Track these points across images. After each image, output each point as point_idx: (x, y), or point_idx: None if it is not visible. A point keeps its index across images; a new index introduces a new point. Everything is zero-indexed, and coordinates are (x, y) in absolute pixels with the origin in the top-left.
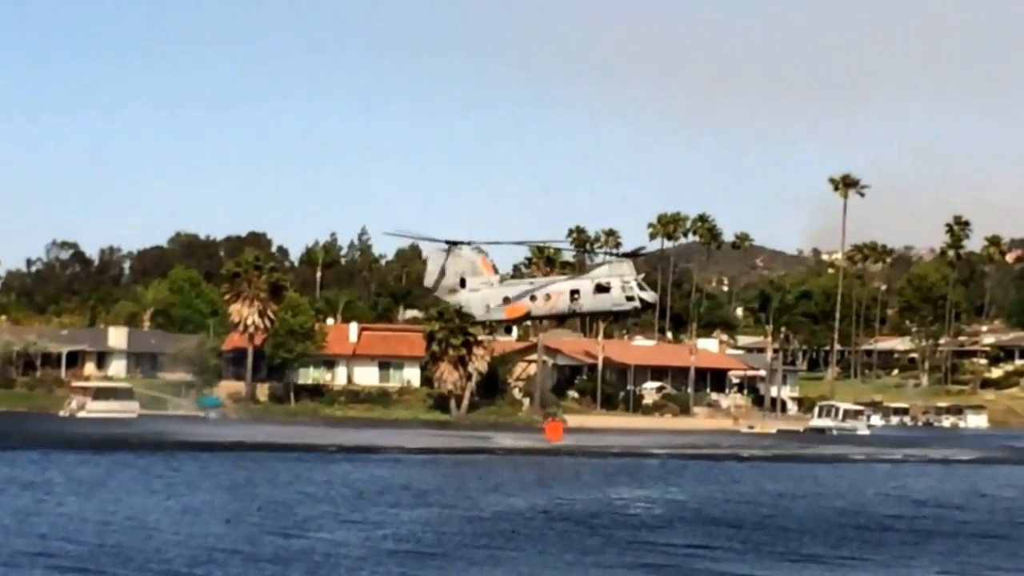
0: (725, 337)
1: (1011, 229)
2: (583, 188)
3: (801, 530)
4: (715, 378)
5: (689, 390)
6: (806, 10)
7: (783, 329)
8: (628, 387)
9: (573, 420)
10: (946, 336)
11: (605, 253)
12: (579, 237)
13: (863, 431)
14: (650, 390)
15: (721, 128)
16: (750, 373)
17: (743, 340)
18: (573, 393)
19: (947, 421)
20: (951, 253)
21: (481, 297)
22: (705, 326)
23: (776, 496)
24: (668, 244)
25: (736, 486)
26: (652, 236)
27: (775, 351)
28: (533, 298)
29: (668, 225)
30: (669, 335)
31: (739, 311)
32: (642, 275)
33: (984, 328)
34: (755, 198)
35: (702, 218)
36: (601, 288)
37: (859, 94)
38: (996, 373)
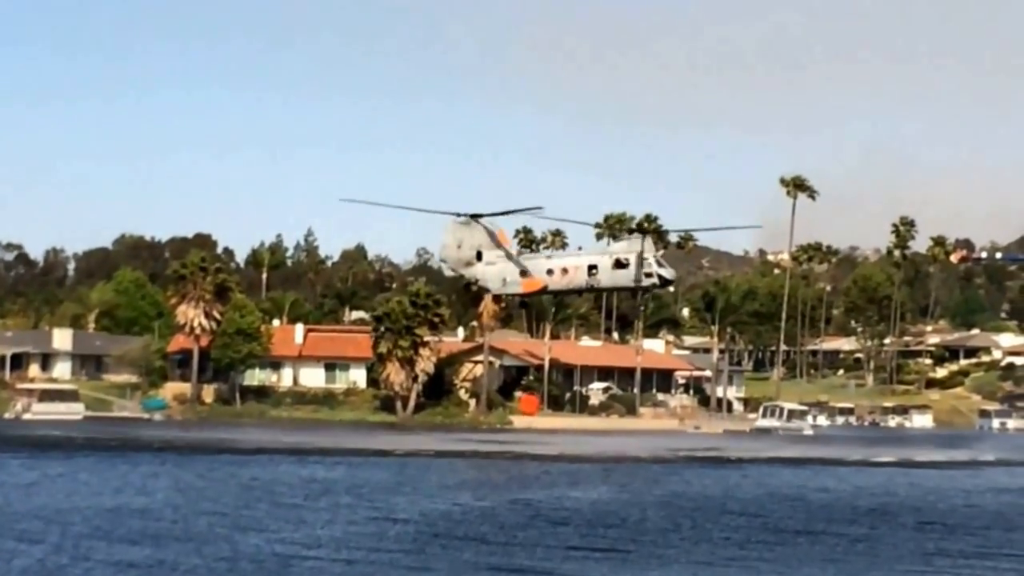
0: (671, 338)
1: (956, 230)
2: (529, 188)
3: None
4: (661, 379)
5: (635, 391)
6: (756, 9)
7: (729, 330)
8: (574, 388)
9: (519, 421)
10: (891, 336)
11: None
12: (525, 237)
13: (808, 431)
14: (596, 391)
15: (668, 128)
16: (696, 374)
17: (689, 341)
18: (519, 394)
19: (893, 421)
20: (896, 253)
21: (498, 271)
22: (651, 327)
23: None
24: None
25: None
26: (598, 236)
27: (721, 352)
28: (550, 272)
29: (614, 225)
30: (615, 336)
31: (685, 312)
32: (660, 252)
33: (929, 328)
34: (702, 198)
35: (648, 218)
36: (620, 264)
37: (806, 96)
38: (941, 373)
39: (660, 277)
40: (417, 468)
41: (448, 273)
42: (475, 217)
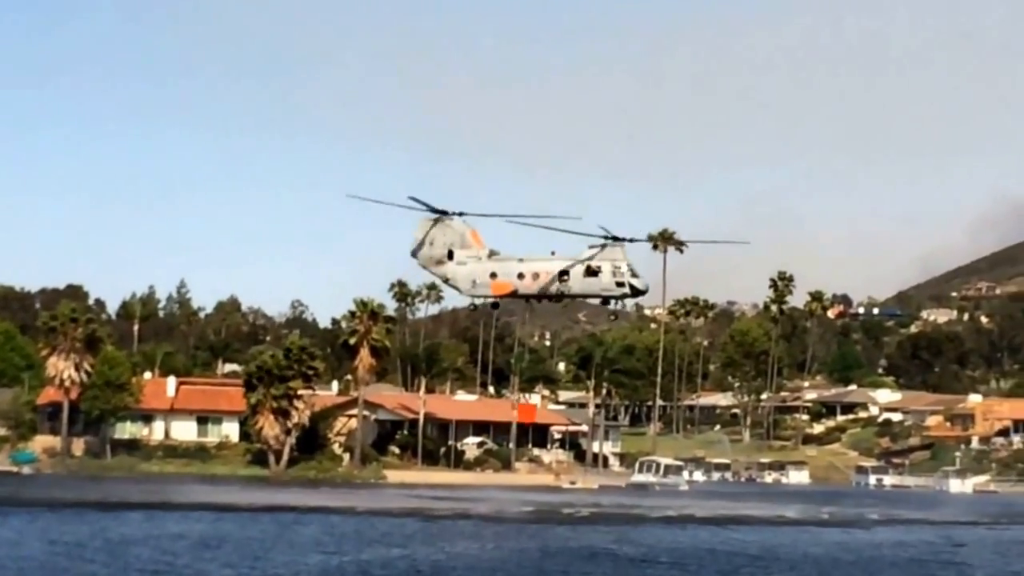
0: (547, 392)
1: (834, 285)
2: (405, 241)
3: None
4: (537, 433)
5: (511, 445)
6: (636, 60)
7: (605, 384)
8: (449, 442)
9: (393, 476)
10: (768, 392)
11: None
12: (400, 291)
13: (684, 487)
14: (472, 445)
15: (541, 180)
16: (572, 428)
17: (565, 395)
18: (394, 448)
19: (769, 477)
20: (774, 308)
21: (468, 271)
22: (527, 381)
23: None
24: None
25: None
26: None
27: (597, 406)
28: (521, 276)
29: None
30: (491, 390)
31: (561, 366)
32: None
33: (806, 384)
34: (576, 252)
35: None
36: (591, 271)
37: (685, 151)
38: (818, 429)
39: (632, 287)
40: (290, 524)
41: (419, 269)
42: (450, 214)
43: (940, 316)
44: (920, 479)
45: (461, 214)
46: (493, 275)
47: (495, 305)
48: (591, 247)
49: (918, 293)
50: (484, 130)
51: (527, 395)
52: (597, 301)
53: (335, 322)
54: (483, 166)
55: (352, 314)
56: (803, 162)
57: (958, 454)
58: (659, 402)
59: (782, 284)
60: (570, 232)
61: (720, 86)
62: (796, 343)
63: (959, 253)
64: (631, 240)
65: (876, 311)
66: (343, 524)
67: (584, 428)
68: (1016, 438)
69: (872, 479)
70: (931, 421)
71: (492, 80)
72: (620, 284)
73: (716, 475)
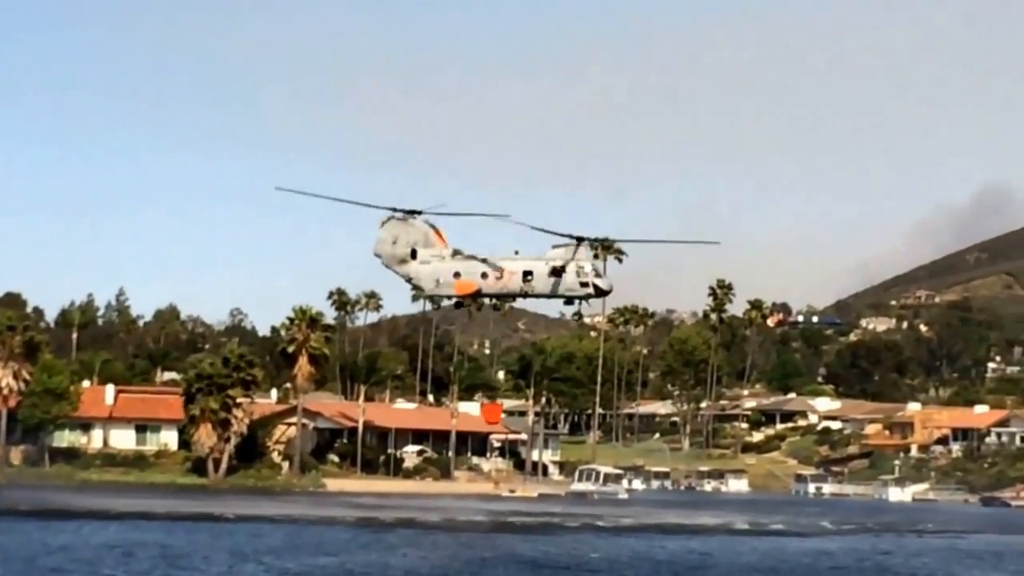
0: (486, 401)
1: (773, 293)
2: (343, 249)
3: None
4: (476, 442)
5: (450, 454)
6: (575, 70)
7: (545, 393)
8: (389, 451)
9: (332, 484)
10: (708, 400)
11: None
12: (339, 299)
13: (623, 495)
14: (411, 454)
15: (478, 186)
16: (511, 437)
17: (505, 404)
18: (333, 457)
19: (708, 485)
20: (713, 317)
21: (432, 270)
22: (467, 389)
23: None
24: (429, 307)
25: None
26: (415, 298)
27: (537, 415)
28: (484, 275)
29: None
30: (431, 398)
31: (501, 374)
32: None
33: (745, 392)
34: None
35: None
36: (555, 271)
37: (626, 158)
38: (757, 437)
39: (596, 287)
40: (228, 532)
41: (383, 268)
42: (414, 213)
43: (879, 324)
44: (859, 487)
45: (420, 212)
46: (457, 274)
47: (458, 304)
48: (555, 247)
49: (857, 301)
50: (415, 139)
51: (492, 400)
52: (534, 311)
53: (274, 330)
54: (419, 175)
55: (291, 322)
56: (742, 170)
57: (897, 462)
58: (599, 410)
59: (721, 292)
60: (551, 232)
61: (658, 93)
62: (735, 351)
63: (898, 261)
64: (595, 240)
65: (815, 319)
66: (280, 532)
67: (523, 437)
68: (955, 446)
69: (811, 487)
70: (870, 429)
71: (426, 89)
72: (584, 284)
73: (656, 483)
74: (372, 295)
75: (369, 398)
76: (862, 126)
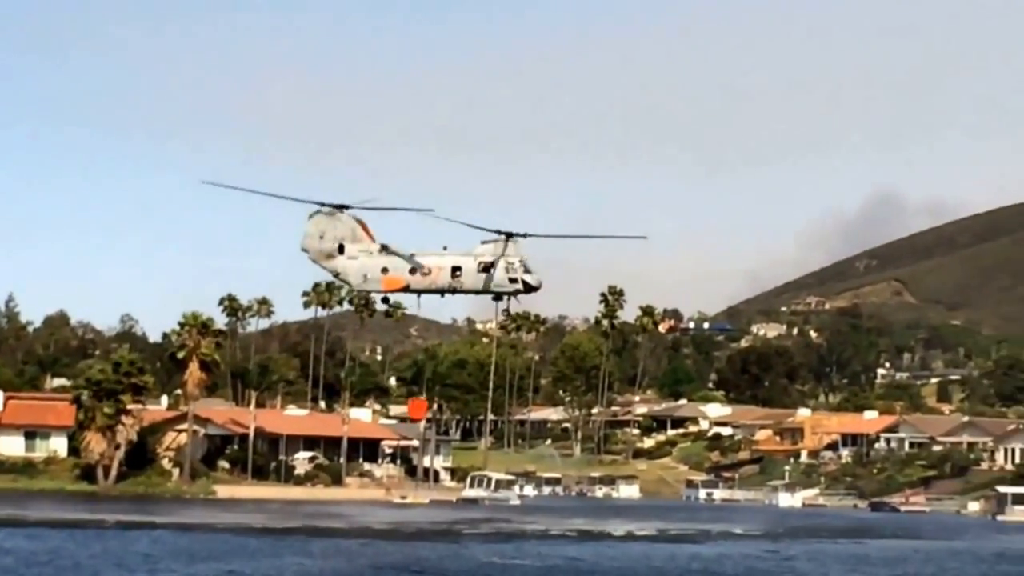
0: (378, 407)
1: (664, 299)
2: (235, 256)
3: None
4: (368, 448)
5: (342, 460)
6: (461, 88)
7: (437, 399)
8: (280, 457)
9: (223, 491)
10: (599, 406)
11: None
12: (231, 305)
13: (515, 501)
14: (302, 460)
15: (374, 191)
16: (403, 443)
17: (396, 410)
18: (224, 463)
19: (600, 491)
20: (605, 323)
21: (359, 266)
22: (358, 395)
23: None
24: (322, 313)
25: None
26: (306, 305)
27: (428, 421)
28: (413, 271)
29: (323, 294)
30: (322, 404)
31: (393, 380)
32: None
33: (637, 398)
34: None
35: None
36: (484, 267)
37: (514, 160)
38: (648, 443)
39: (525, 283)
40: (116, 539)
41: (310, 263)
42: (341, 208)
43: (770, 331)
44: (750, 493)
45: (346, 207)
46: (384, 270)
47: (385, 300)
48: (484, 243)
49: (748, 308)
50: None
51: (416, 398)
52: (426, 318)
53: (165, 336)
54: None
55: (182, 327)
56: (632, 176)
57: (787, 468)
58: (490, 416)
59: (613, 299)
60: (479, 228)
61: (545, 99)
62: (627, 358)
63: (789, 268)
64: (524, 235)
65: (706, 326)
66: (168, 539)
67: (415, 443)
68: (844, 452)
69: (702, 493)
70: (760, 435)
71: (332, 81)
72: (514, 280)
73: (547, 489)
74: (264, 301)
75: (260, 404)
76: (753, 132)
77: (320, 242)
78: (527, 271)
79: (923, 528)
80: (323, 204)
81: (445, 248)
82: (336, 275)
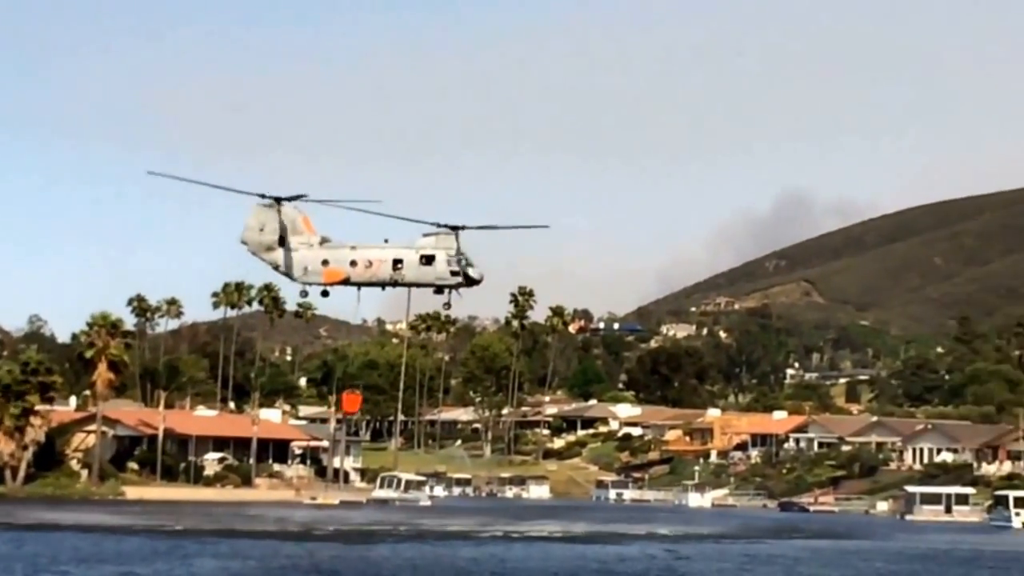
0: (288, 407)
1: (574, 300)
2: (144, 255)
3: None
4: (278, 449)
5: (251, 461)
6: (370, 66)
7: None
8: (189, 458)
9: (132, 492)
10: (509, 406)
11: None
12: (139, 306)
13: (425, 502)
14: (212, 461)
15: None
16: (313, 444)
17: (306, 410)
18: (133, 464)
19: (510, 492)
20: (515, 323)
21: (299, 258)
22: (268, 395)
23: None
24: (232, 313)
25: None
26: (216, 305)
27: (338, 421)
28: (353, 263)
29: (232, 294)
30: (232, 405)
31: (303, 381)
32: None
33: (547, 398)
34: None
35: (267, 287)
36: (426, 259)
37: (425, 158)
38: (558, 443)
39: (467, 276)
40: (20, 541)
41: (250, 256)
42: (281, 200)
43: (679, 331)
44: (660, 493)
45: (287, 199)
46: (325, 262)
47: (325, 293)
48: (425, 235)
49: (658, 308)
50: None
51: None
52: (336, 318)
53: (74, 337)
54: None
55: (90, 328)
56: (543, 176)
57: (697, 468)
58: (401, 417)
59: (523, 299)
60: (420, 222)
61: (459, 99)
62: (537, 358)
63: (699, 268)
64: (463, 227)
65: (616, 326)
66: (73, 541)
67: (325, 443)
68: (754, 452)
69: (612, 493)
70: (670, 435)
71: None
72: (455, 273)
73: (457, 490)
74: (173, 302)
75: (169, 405)
76: (662, 133)
77: (260, 234)
78: (469, 264)
79: (833, 528)
80: (264, 196)
81: (386, 241)
82: (276, 268)
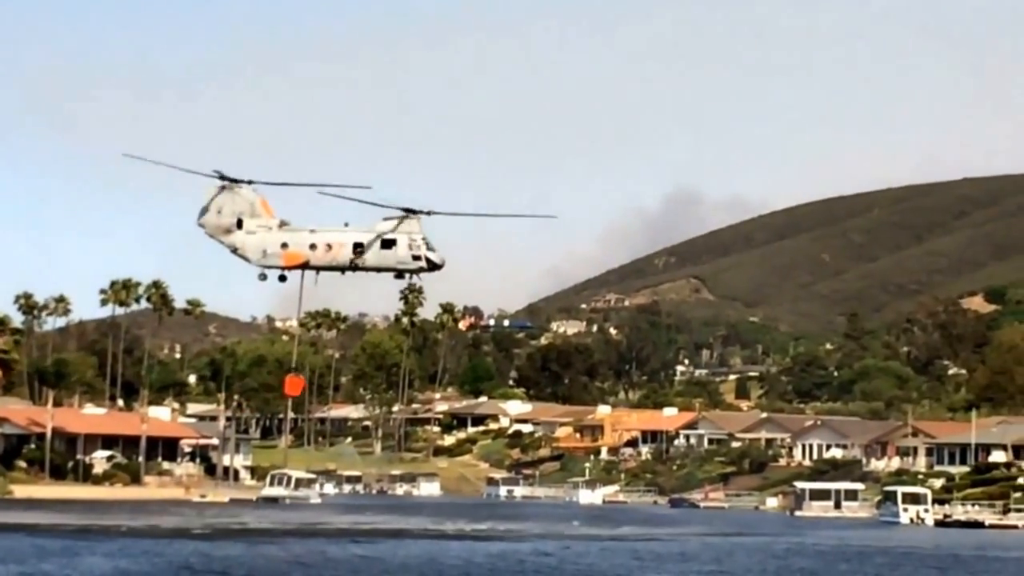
0: (177, 405)
1: (464, 297)
2: (31, 252)
3: None
4: (167, 447)
5: (140, 459)
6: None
7: (236, 397)
8: (78, 456)
9: (20, 491)
10: (399, 404)
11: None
12: (27, 303)
13: (315, 500)
14: (101, 459)
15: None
16: (203, 442)
17: (195, 408)
18: (21, 463)
19: (400, 489)
20: (405, 320)
21: (258, 241)
22: (157, 392)
23: None
24: (120, 311)
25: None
26: (104, 302)
27: (228, 419)
28: (313, 247)
29: (120, 291)
30: (121, 403)
31: (192, 378)
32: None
33: (437, 396)
34: (211, 265)
35: (156, 284)
36: (387, 244)
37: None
38: (449, 440)
39: (428, 261)
40: None
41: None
42: (240, 182)
43: (570, 328)
44: (551, 490)
45: (251, 182)
46: (284, 245)
47: (282, 278)
48: (386, 219)
49: (548, 305)
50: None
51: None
52: (225, 315)
53: None
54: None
55: None
56: (431, 170)
57: (588, 465)
58: (290, 415)
59: (413, 296)
60: (354, 200)
61: (360, 98)
62: (427, 355)
63: (589, 265)
64: (427, 213)
65: (507, 323)
66: None
67: (215, 441)
68: (644, 449)
69: (503, 490)
70: (561, 432)
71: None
72: (417, 258)
73: (348, 487)
74: (61, 299)
75: (58, 403)
76: (553, 127)
77: (218, 217)
78: (430, 248)
79: (722, 524)
80: (222, 177)
81: (347, 224)
82: (234, 250)
